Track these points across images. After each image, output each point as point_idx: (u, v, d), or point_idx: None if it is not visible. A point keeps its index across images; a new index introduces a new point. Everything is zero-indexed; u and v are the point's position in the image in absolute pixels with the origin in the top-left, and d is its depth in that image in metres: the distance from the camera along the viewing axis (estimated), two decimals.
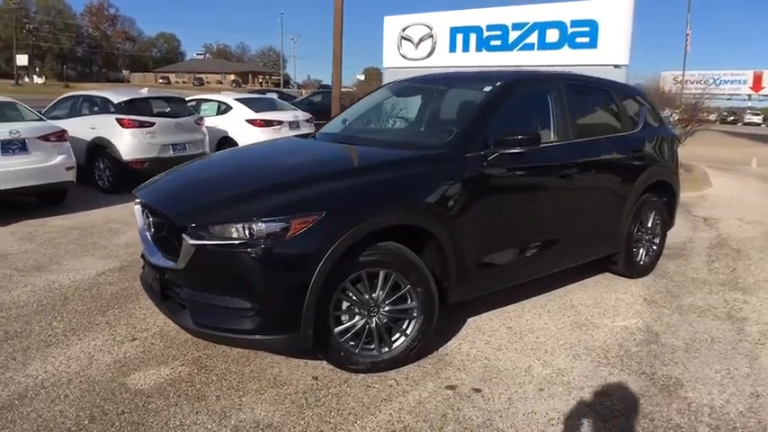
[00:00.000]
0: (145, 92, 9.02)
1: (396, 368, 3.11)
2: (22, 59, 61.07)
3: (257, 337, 2.76)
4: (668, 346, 3.50)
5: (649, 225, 4.79)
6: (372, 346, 3.05)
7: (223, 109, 10.79)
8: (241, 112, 10.50)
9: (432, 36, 11.59)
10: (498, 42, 10.65)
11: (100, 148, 8.27)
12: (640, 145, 4.58)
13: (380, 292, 3.00)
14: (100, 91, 9.06)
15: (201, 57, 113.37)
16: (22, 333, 3.57)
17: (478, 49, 10.97)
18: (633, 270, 4.71)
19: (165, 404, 2.78)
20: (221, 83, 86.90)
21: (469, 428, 2.61)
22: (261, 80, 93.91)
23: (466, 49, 11.13)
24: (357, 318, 2.99)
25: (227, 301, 2.77)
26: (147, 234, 3.24)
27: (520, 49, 10.37)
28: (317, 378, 3.04)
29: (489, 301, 4.02)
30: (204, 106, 11.01)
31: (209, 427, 2.60)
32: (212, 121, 10.53)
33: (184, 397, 2.85)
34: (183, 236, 2.78)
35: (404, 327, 3.10)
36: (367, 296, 2.98)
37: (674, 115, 11.02)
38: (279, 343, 2.82)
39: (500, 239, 3.54)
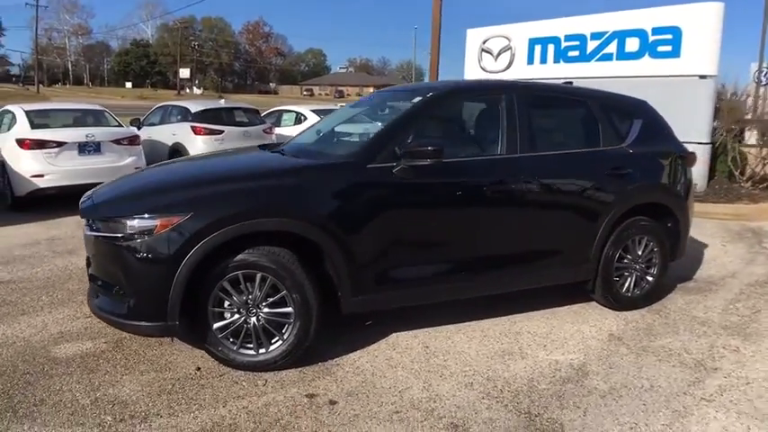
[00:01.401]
0: (222, 102, 9.97)
1: (274, 370, 3.20)
2: (184, 72, 70.01)
3: (131, 322, 3.03)
4: (586, 388, 3.14)
5: (639, 252, 4.27)
6: (251, 346, 3.17)
7: (300, 119, 11.47)
8: (314, 122, 11.07)
9: (510, 48, 11.27)
10: (576, 53, 10.06)
11: (177, 153, 9.29)
12: (624, 161, 4.12)
13: (258, 294, 3.11)
14: (182, 101, 10.17)
15: (344, 70, 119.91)
16: (13, 302, 4.23)
17: (556, 60, 10.45)
18: (615, 301, 4.24)
19: (63, 371, 3.17)
20: (360, 95, 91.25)
21: None
22: None
23: (543, 60, 10.67)
24: (236, 316, 3.13)
25: (113, 288, 3.08)
26: None
27: (598, 59, 9.71)
28: (199, 369, 3.23)
29: (427, 316, 3.93)
30: (285, 116, 11.81)
31: (76, 395, 2.93)
32: (290, 130, 11.25)
33: (81, 368, 3.22)
34: (84, 227, 3.14)
35: (283, 331, 3.17)
36: (245, 297, 3.11)
37: None
38: (149, 330, 3.07)
39: (407, 255, 3.45)
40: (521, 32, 11.05)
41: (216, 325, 3.13)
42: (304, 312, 3.13)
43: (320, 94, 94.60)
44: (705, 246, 6.36)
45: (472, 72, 12.23)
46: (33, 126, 7.22)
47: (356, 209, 3.25)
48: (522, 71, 11.10)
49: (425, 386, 3.11)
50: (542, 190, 3.81)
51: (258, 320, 3.15)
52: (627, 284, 4.27)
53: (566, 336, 3.85)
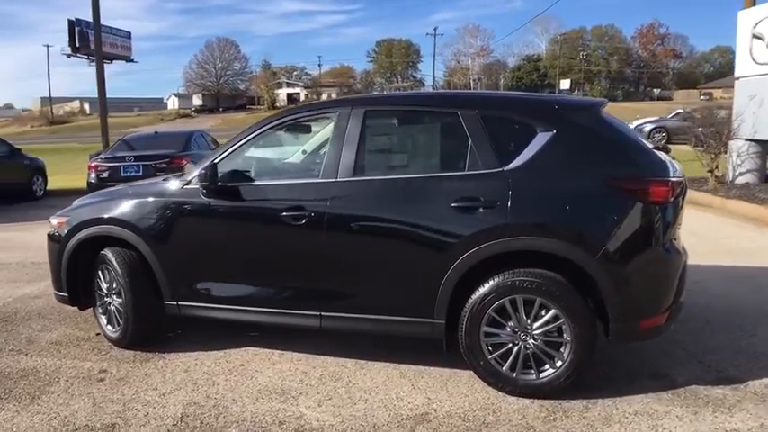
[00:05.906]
0: None
1: (126, 348, 4.01)
2: (564, 83, 71.58)
3: (54, 291, 4.36)
4: None
5: (528, 320, 3.13)
6: (113, 325, 4.08)
7: None
8: None
9: None
10: None
11: None
12: (487, 191, 3.14)
13: (112, 284, 4.00)
14: None
15: None
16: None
17: None
18: (491, 378, 3.24)
19: (36, 317, 4.77)
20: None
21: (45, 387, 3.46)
22: None
23: None
24: (105, 299, 4.11)
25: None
26: None
27: None
28: (98, 334, 4.31)
29: (299, 342, 3.96)
30: None
31: (20, 332, 4.44)
32: None
33: (45, 318, 4.75)
34: None
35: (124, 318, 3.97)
36: (107, 285, 4.05)
37: None
38: (57, 297, 4.32)
39: (210, 271, 3.74)
40: None
41: (98, 303, 4.18)
42: (125, 305, 3.87)
43: (723, 98, 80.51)
44: None
45: (742, 66, 9.34)
46: None
47: (169, 224, 3.78)
48: None
49: (167, 392, 3.37)
50: (352, 222, 3.37)
51: (113, 306, 4.04)
52: (510, 360, 3.20)
53: (374, 398, 3.26)
